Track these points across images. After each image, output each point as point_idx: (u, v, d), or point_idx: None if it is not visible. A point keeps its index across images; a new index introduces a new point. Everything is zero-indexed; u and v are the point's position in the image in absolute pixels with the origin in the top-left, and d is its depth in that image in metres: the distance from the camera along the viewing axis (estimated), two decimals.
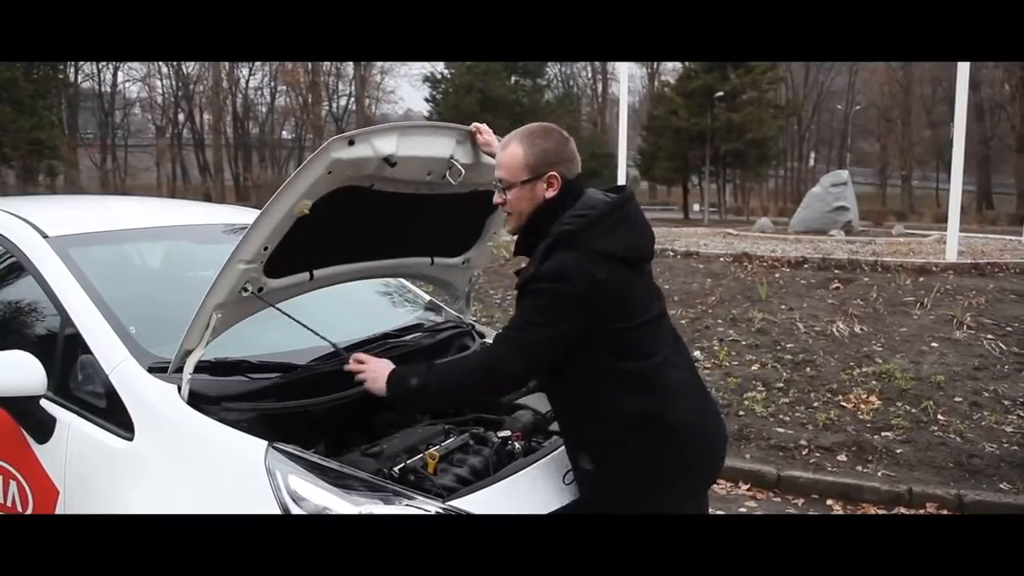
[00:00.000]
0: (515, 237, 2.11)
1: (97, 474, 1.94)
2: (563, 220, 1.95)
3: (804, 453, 4.60)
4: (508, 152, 2.02)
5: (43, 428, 2.05)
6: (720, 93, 39.69)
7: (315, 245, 2.08)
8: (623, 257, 1.93)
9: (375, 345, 2.42)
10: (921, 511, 4.07)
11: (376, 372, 2.03)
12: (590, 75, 58.42)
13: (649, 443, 1.93)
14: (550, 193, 2.00)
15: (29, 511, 2.09)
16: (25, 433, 2.07)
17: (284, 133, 54.02)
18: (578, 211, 1.95)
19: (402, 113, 49.84)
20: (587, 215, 1.94)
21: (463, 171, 2.19)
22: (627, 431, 1.93)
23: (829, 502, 4.22)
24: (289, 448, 1.83)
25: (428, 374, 2.04)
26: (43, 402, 2.05)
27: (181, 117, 50.59)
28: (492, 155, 2.29)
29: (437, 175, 2.19)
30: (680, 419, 1.96)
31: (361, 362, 2.08)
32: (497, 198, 2.07)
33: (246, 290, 2.00)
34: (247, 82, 50.18)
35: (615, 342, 1.92)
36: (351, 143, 1.90)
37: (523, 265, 2.03)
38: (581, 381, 1.96)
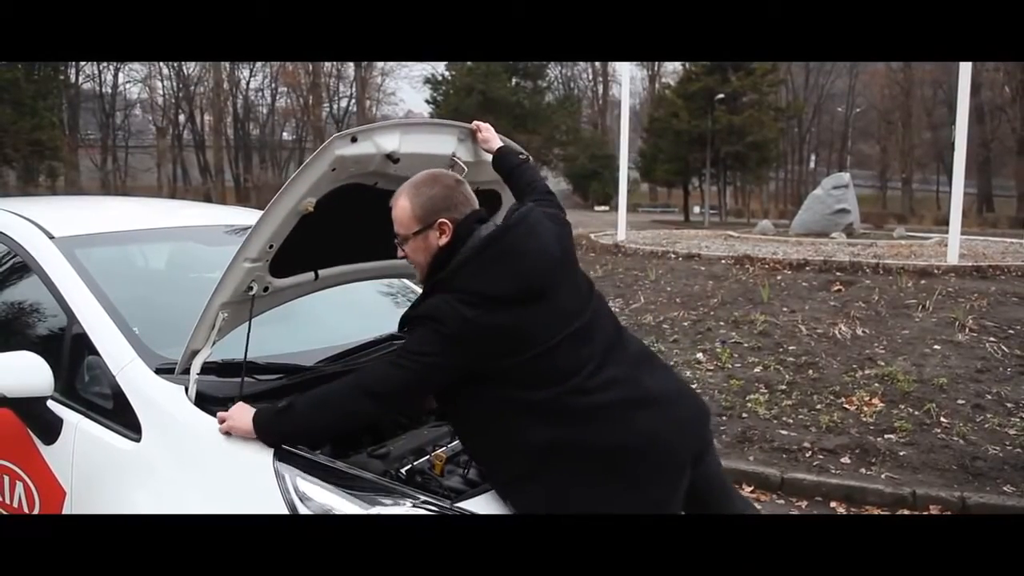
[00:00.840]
0: None
1: (104, 475, 1.94)
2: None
3: (807, 455, 4.59)
4: (398, 205, 1.96)
5: (50, 429, 2.05)
6: (721, 95, 39.71)
7: (320, 244, 2.08)
8: (495, 296, 1.83)
9: (383, 346, 2.42)
10: (925, 513, 4.07)
11: (239, 415, 1.86)
12: (591, 77, 58.65)
13: (565, 473, 1.81)
14: (443, 240, 1.93)
15: (36, 512, 2.09)
16: (32, 434, 2.07)
17: (285, 134, 54.22)
18: (456, 255, 1.89)
19: (403, 115, 49.84)
20: (458, 258, 1.88)
21: (465, 168, 2.20)
22: (537, 464, 1.82)
23: (833, 504, 4.21)
24: (296, 450, 1.83)
25: (296, 398, 1.89)
26: (50, 403, 2.04)
27: (182, 118, 50.74)
28: (491, 152, 2.30)
29: None
30: (604, 442, 1.82)
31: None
32: (399, 252, 2.01)
33: (251, 288, 2.01)
34: (248, 83, 50.44)
35: (511, 375, 1.83)
36: (354, 140, 1.91)
37: None
38: (485, 416, 1.88)
